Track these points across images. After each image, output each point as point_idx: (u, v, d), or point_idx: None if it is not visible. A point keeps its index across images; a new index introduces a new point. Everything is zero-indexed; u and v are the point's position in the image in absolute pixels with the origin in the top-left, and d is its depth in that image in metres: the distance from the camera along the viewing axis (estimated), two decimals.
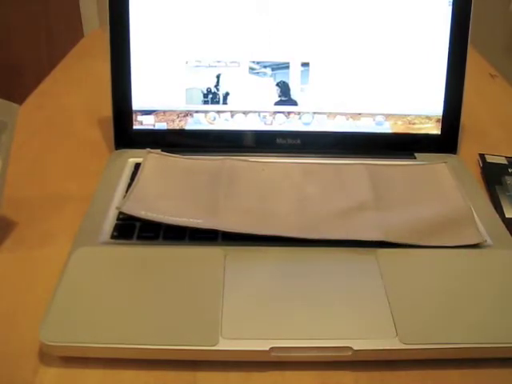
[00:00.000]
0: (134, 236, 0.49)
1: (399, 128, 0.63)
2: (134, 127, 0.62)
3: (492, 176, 0.61)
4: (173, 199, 0.53)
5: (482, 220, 0.53)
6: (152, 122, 0.62)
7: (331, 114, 0.62)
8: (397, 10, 0.60)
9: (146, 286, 0.44)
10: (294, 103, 0.62)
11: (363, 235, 0.49)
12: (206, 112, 0.62)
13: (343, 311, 0.42)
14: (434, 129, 0.63)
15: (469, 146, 0.67)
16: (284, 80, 0.61)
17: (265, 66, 0.61)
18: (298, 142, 0.63)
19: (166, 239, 0.49)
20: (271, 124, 0.62)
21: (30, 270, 0.48)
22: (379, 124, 0.63)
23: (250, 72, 0.61)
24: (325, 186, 0.56)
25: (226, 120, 0.62)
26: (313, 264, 0.47)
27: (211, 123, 0.62)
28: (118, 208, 0.51)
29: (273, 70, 0.61)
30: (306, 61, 0.61)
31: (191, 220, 0.49)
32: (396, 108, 0.62)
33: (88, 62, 0.87)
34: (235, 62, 0.61)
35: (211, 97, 0.61)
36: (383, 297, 0.43)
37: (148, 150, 0.59)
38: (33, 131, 0.69)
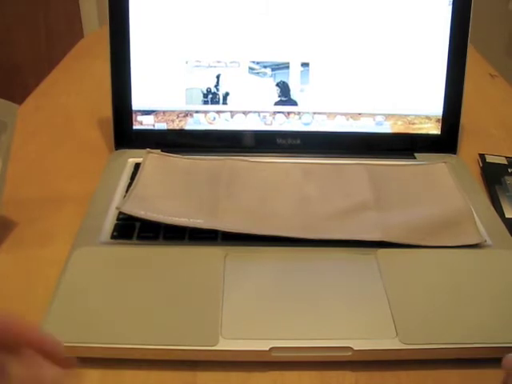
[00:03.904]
0: (134, 236, 0.49)
1: (399, 128, 0.63)
2: (134, 127, 0.62)
3: (492, 176, 0.61)
4: (173, 199, 0.53)
5: (482, 220, 0.53)
6: (152, 122, 0.62)
7: (331, 114, 0.62)
8: (397, 10, 0.60)
9: (145, 285, 0.44)
10: (294, 103, 0.62)
11: (363, 235, 0.49)
12: (205, 112, 0.62)
13: (343, 311, 0.42)
14: (434, 129, 0.63)
15: (469, 146, 0.67)
16: (284, 80, 0.61)
17: (265, 66, 0.61)
18: (298, 142, 0.63)
19: (166, 239, 0.49)
20: (271, 124, 0.62)
21: (30, 269, 0.48)
22: (379, 124, 0.63)
23: (249, 72, 0.61)
24: (325, 186, 0.56)
25: (226, 120, 0.62)
26: (313, 264, 0.47)
27: (211, 123, 0.62)
28: (118, 208, 0.51)
29: (273, 70, 0.61)
30: (305, 61, 0.61)
31: (191, 220, 0.49)
32: (396, 108, 0.62)
33: (88, 62, 0.87)
34: (235, 62, 0.61)
35: (211, 97, 0.61)
36: (383, 297, 0.43)
37: (148, 150, 0.59)
38: (33, 131, 0.69)
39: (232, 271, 0.45)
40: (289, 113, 0.62)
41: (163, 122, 0.62)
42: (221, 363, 0.40)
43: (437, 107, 0.62)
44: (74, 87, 0.81)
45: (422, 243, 0.49)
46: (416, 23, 0.60)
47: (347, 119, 0.62)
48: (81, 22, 1.92)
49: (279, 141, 0.63)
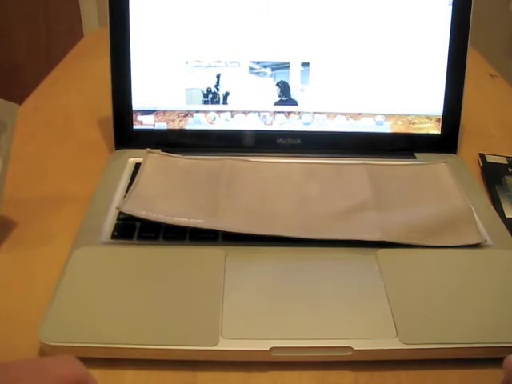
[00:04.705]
0: (135, 236, 0.49)
1: (399, 128, 0.63)
2: (134, 127, 0.62)
3: (492, 176, 0.61)
4: (173, 199, 0.53)
5: (482, 220, 0.53)
6: (152, 122, 0.62)
7: (331, 114, 0.62)
8: (397, 10, 0.60)
9: (146, 286, 0.44)
10: (294, 103, 0.62)
11: (363, 235, 0.49)
12: (206, 112, 0.62)
13: (343, 311, 0.42)
14: (434, 129, 0.63)
15: (469, 145, 0.67)
16: (284, 80, 0.61)
17: (265, 66, 0.61)
18: (298, 141, 0.63)
19: (167, 239, 0.49)
20: (271, 124, 0.62)
21: (30, 269, 0.48)
22: (379, 124, 0.63)
23: (250, 72, 0.61)
24: (325, 186, 0.56)
25: (226, 120, 0.62)
26: (313, 264, 0.47)
27: (211, 123, 0.62)
28: (118, 208, 0.51)
29: (273, 69, 0.61)
30: (306, 61, 0.61)
31: (191, 220, 0.49)
32: (396, 108, 0.62)
33: (88, 62, 0.87)
34: (235, 62, 0.61)
35: (211, 97, 0.61)
36: (383, 297, 0.43)
37: (148, 149, 0.59)
38: (33, 131, 0.69)
39: (232, 271, 0.45)
40: (289, 113, 0.62)
41: (163, 121, 0.62)
42: (221, 363, 0.40)
43: (437, 107, 0.62)
44: (73, 87, 0.81)
45: (423, 243, 0.49)
46: (416, 23, 0.60)
47: (347, 119, 0.62)
48: (81, 22, 1.92)
49: (279, 141, 0.63)
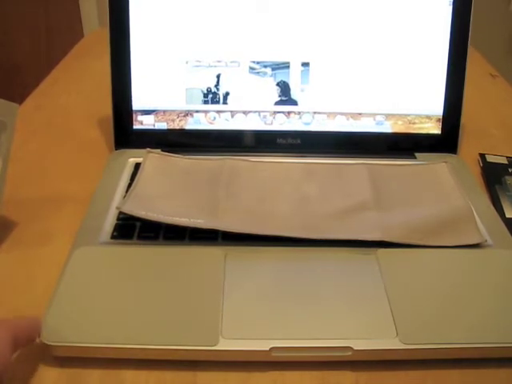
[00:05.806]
0: (134, 236, 0.49)
1: (399, 128, 0.63)
2: (134, 127, 0.62)
3: (492, 176, 0.61)
4: (173, 199, 0.53)
5: (482, 220, 0.53)
6: (152, 122, 0.62)
7: (331, 114, 0.62)
8: (397, 10, 0.60)
9: (146, 285, 0.44)
10: (294, 103, 0.62)
11: (363, 235, 0.49)
12: (206, 112, 0.62)
13: (343, 311, 0.42)
14: (435, 128, 0.63)
15: (469, 145, 0.67)
16: (284, 80, 0.61)
17: (265, 66, 0.61)
18: (298, 141, 0.63)
19: (166, 239, 0.49)
20: (271, 124, 0.62)
21: (29, 270, 0.48)
22: (379, 124, 0.63)
23: (250, 72, 0.61)
24: (325, 186, 0.56)
25: (226, 120, 0.62)
26: (313, 264, 0.47)
27: (211, 123, 0.62)
28: (118, 208, 0.51)
29: (273, 69, 0.61)
30: (306, 61, 0.61)
31: (191, 220, 0.49)
32: (396, 108, 0.62)
33: (88, 61, 0.87)
34: (235, 62, 0.61)
35: (211, 97, 0.61)
36: (383, 297, 0.43)
37: (148, 149, 0.59)
38: (33, 131, 0.69)
39: (232, 271, 0.45)
40: (289, 112, 0.62)
41: (163, 121, 0.62)
42: (221, 363, 0.40)
43: (437, 107, 0.62)
44: (74, 87, 0.81)
45: (423, 243, 0.49)
46: (416, 23, 0.60)
47: (347, 119, 0.62)
48: (81, 22, 1.92)
49: (279, 141, 0.63)
